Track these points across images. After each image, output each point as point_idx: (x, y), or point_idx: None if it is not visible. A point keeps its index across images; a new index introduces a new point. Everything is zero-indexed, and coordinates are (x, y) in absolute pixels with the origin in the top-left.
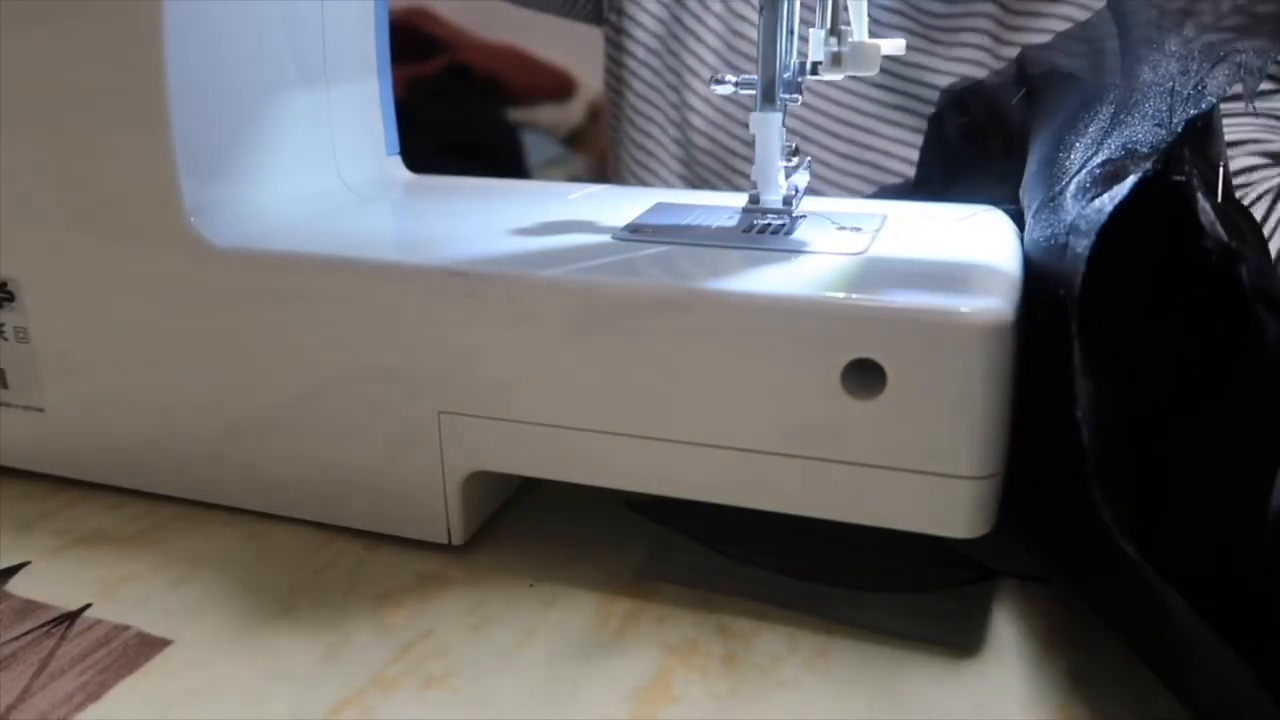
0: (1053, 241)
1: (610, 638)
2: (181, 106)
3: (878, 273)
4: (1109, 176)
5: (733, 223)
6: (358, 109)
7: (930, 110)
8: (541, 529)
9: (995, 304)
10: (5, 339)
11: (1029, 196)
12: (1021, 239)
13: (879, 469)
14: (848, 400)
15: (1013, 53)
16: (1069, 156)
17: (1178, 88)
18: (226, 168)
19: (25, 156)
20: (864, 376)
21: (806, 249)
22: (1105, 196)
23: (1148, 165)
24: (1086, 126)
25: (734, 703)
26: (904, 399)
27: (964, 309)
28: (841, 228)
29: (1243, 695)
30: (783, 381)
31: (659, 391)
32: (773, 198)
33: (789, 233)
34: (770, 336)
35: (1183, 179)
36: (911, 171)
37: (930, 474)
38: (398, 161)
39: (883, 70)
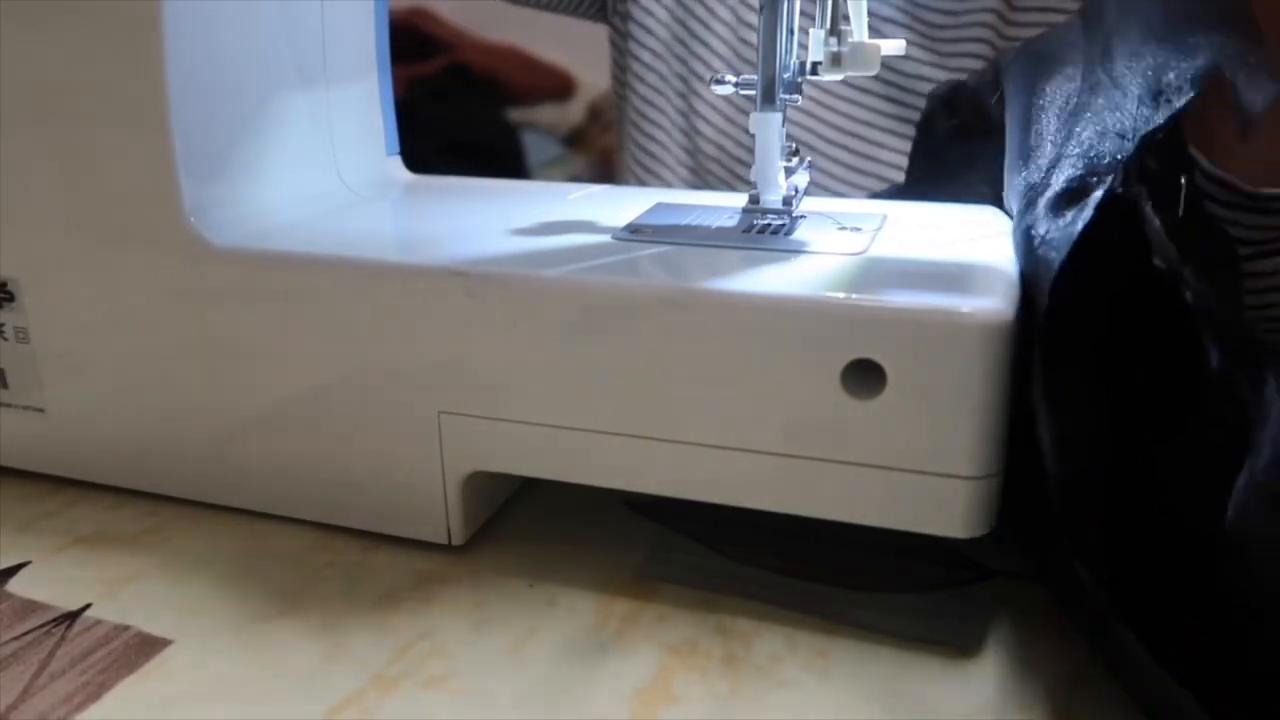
0: (1031, 254)
1: (610, 638)
2: (181, 106)
3: (878, 273)
4: (1075, 194)
5: (733, 223)
6: (358, 109)
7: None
8: (541, 529)
9: (995, 304)
10: (5, 339)
11: (1010, 197)
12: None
13: (879, 469)
14: (848, 400)
15: None
16: (1040, 149)
17: (1139, 94)
18: (226, 168)
19: (25, 156)
20: (864, 376)
21: (806, 249)
22: (1069, 213)
23: (1108, 181)
24: (1053, 116)
25: (734, 703)
26: (904, 399)
27: (964, 309)
28: (842, 228)
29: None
30: (783, 381)
31: (659, 391)
32: (773, 198)
33: (789, 233)
34: (770, 336)
35: (1132, 194)
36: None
37: (930, 474)
38: (398, 161)
39: (887, 81)
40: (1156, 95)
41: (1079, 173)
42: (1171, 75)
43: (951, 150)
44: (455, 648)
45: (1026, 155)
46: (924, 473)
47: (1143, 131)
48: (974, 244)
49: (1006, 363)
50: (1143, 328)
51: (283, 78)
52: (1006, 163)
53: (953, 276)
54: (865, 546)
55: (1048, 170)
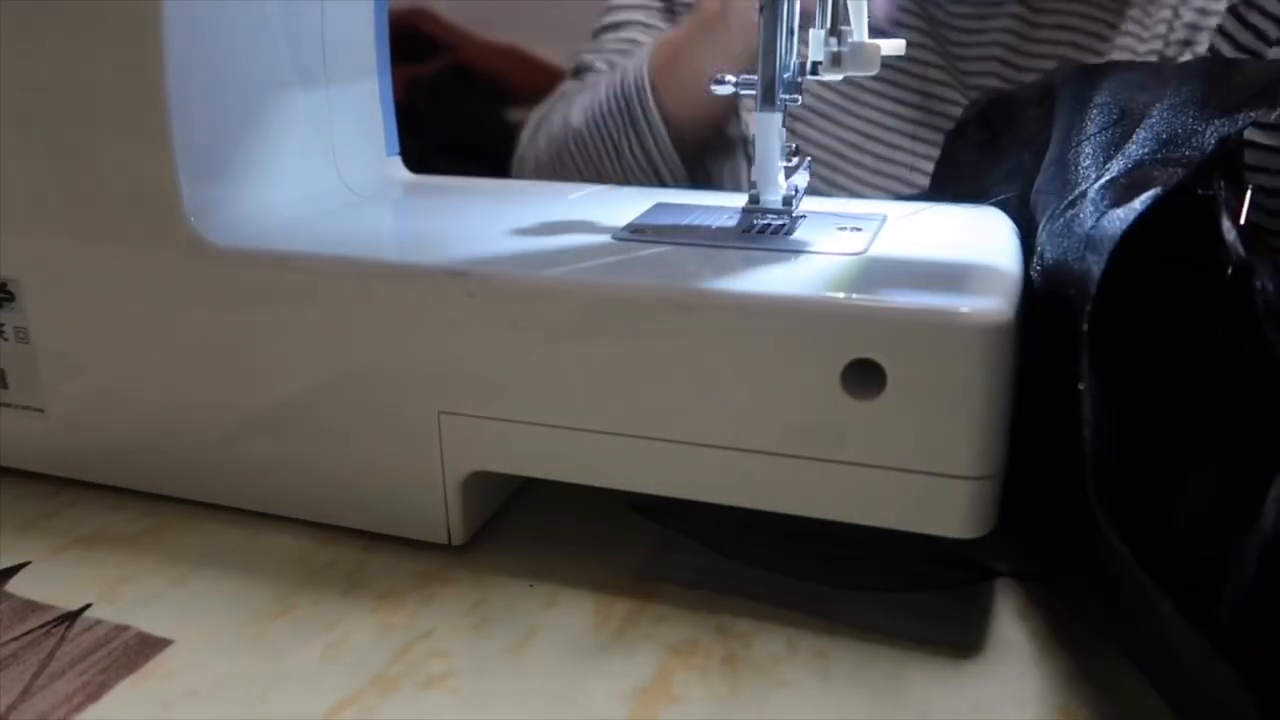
0: (1065, 254)
1: (610, 638)
2: (181, 106)
3: (878, 273)
4: (1132, 186)
5: (733, 223)
6: (358, 109)
7: (946, 114)
8: (541, 529)
9: (995, 304)
10: (5, 339)
11: (1042, 199)
12: (1021, 239)
13: (879, 469)
14: (848, 400)
15: (1030, 69)
16: (1080, 160)
17: (1211, 104)
18: (226, 168)
19: (25, 157)
20: (864, 376)
21: (806, 249)
22: (1124, 208)
23: (1178, 173)
24: (1101, 128)
25: (734, 703)
26: (904, 399)
27: (964, 309)
28: (842, 228)
29: (1228, 699)
30: (783, 381)
31: (659, 391)
32: (773, 198)
33: (789, 233)
34: (770, 336)
35: (1210, 193)
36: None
37: (930, 474)
38: (398, 161)
39: (907, 88)
40: (1228, 108)
41: (1136, 167)
42: (1244, 86)
43: (981, 160)
44: (455, 648)
45: (1071, 156)
46: (924, 473)
47: (1221, 134)
48: (974, 244)
49: (1006, 363)
50: (1192, 319)
51: (283, 78)
52: (1046, 165)
53: (953, 276)
54: (865, 546)
55: (1099, 170)
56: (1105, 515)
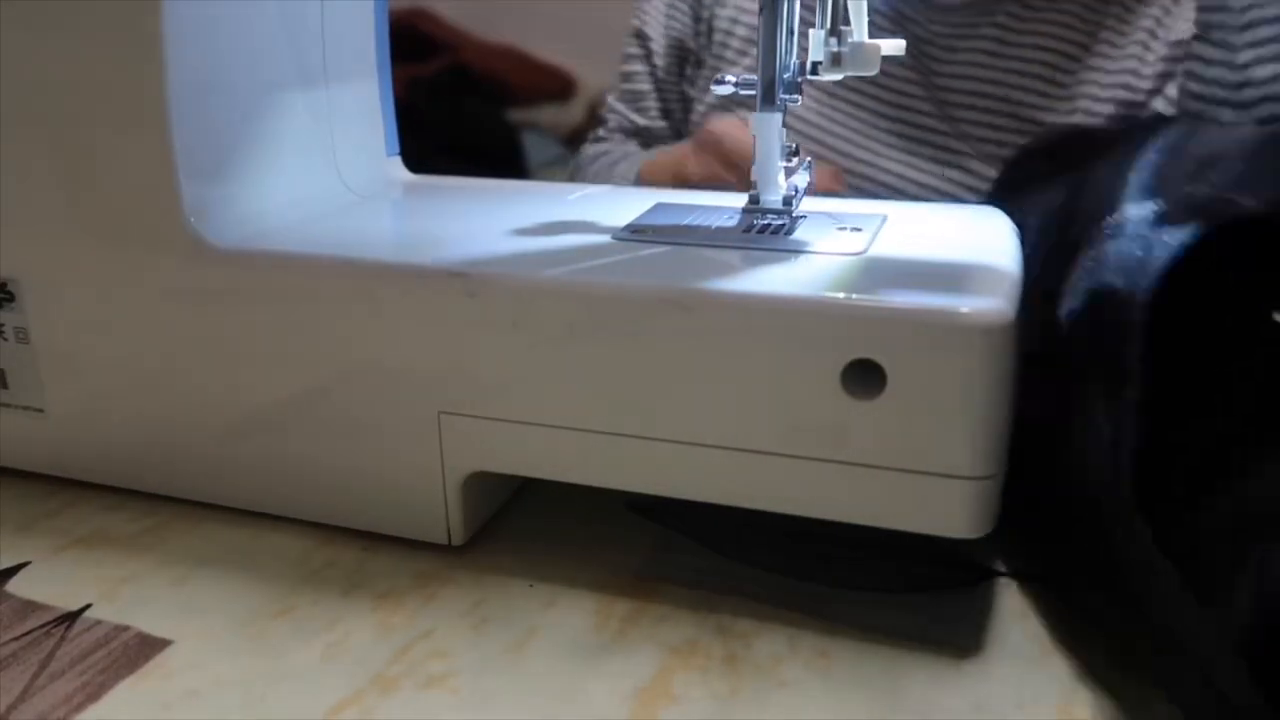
0: (1113, 279)
1: (610, 638)
2: (181, 106)
3: (877, 273)
4: (1188, 213)
5: (733, 223)
6: (358, 109)
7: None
8: (541, 529)
9: (995, 304)
10: (5, 339)
11: (1087, 222)
12: (1022, 239)
13: (879, 469)
14: (848, 400)
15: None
16: (1130, 188)
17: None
18: (226, 168)
19: (25, 157)
20: (864, 376)
21: (806, 249)
22: (1176, 233)
23: (1237, 205)
24: (1162, 161)
25: (734, 703)
26: (904, 399)
27: (964, 309)
28: (841, 228)
29: (1240, 698)
30: (783, 381)
31: (659, 391)
32: (773, 198)
33: (789, 233)
34: (770, 336)
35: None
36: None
37: (930, 474)
38: (398, 162)
39: (885, 101)
40: None
41: (1189, 198)
42: None
43: (1039, 185)
44: (455, 648)
45: (1123, 180)
46: (924, 473)
47: None
48: (974, 244)
49: (1006, 363)
50: (1237, 341)
51: (283, 78)
52: (1093, 184)
53: (953, 276)
54: (865, 546)
55: (1152, 198)
56: (1143, 520)
